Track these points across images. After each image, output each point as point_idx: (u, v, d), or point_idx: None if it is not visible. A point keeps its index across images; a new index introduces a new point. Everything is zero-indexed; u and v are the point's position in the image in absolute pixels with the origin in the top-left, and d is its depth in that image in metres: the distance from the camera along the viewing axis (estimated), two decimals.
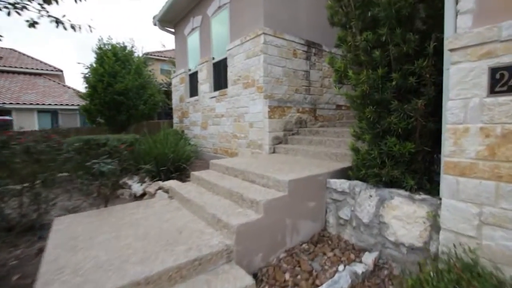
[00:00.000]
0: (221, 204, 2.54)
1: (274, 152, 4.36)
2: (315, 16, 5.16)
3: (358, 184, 2.44)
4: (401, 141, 2.11)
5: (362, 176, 2.43)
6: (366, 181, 2.42)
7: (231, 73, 5.07)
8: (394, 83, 2.10)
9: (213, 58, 5.91)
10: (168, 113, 14.09)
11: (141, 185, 4.20)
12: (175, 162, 4.55)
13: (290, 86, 4.68)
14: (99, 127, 9.27)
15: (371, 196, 2.30)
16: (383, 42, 2.13)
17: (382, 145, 2.21)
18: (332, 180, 2.67)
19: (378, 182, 2.31)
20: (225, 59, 5.31)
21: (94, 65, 8.27)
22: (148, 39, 77.02)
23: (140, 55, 10.39)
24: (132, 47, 9.22)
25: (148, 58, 12.24)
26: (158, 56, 18.64)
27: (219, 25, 5.60)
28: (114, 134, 6.70)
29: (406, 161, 2.14)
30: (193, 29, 6.64)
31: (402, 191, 2.13)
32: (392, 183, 2.24)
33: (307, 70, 4.94)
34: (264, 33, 4.22)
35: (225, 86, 5.36)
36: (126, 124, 8.67)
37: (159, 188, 3.80)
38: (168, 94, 12.10)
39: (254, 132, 4.55)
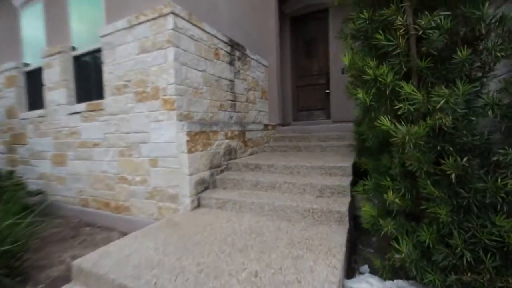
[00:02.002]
0: None
1: (199, 205, 2.72)
2: (237, 8, 3.94)
3: None
4: None
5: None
6: None
7: (112, 75, 3.02)
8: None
9: (74, 48, 3.56)
10: None
11: None
12: None
13: (213, 101, 3.19)
14: None
15: None
16: None
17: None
18: None
19: None
20: (99, 50, 3.18)
21: None
22: None
23: None
24: None
25: None
26: None
27: None
28: None
29: None
30: None
31: None
32: None
33: (231, 79, 3.60)
34: (173, 13, 2.56)
35: (100, 96, 3.20)
36: None
37: None
38: None
39: (161, 174, 2.74)
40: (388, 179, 1.44)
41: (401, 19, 1.19)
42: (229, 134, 3.33)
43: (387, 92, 1.23)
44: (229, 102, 3.55)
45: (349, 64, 1.32)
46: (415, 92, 1.15)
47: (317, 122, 5.35)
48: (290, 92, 5.62)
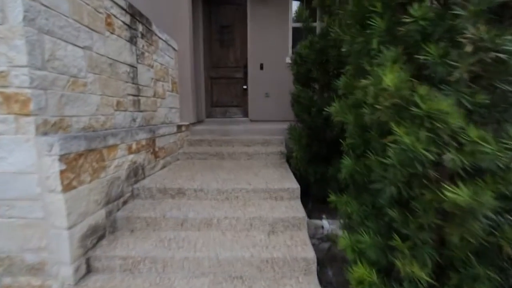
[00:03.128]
0: None
1: (89, 271, 1.67)
2: None
3: None
4: None
5: None
6: None
7: None
8: None
9: None
10: None
11: None
12: None
13: (105, 96, 2.07)
14: None
15: None
16: None
17: None
18: None
19: None
20: None
21: None
22: None
23: None
24: None
25: None
26: None
27: None
28: None
29: None
30: None
31: None
32: None
33: (133, 64, 2.51)
34: None
35: None
36: None
37: None
38: None
39: (6, 230, 1.51)
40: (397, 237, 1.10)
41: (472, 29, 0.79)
42: (134, 147, 2.31)
43: (444, 136, 0.82)
44: (131, 98, 2.47)
45: (395, 88, 0.83)
46: (487, 141, 0.80)
47: (234, 121, 4.85)
48: (203, 85, 4.81)
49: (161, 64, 3.20)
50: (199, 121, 4.62)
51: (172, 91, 3.57)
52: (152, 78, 2.93)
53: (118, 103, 2.25)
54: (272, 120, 4.78)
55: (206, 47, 4.81)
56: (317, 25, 3.82)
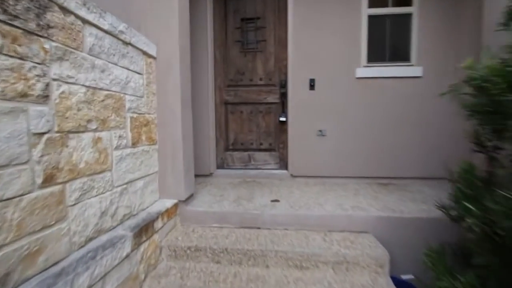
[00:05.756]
0: None
1: None
2: None
3: None
4: None
5: None
6: None
7: None
8: None
9: None
10: None
11: None
12: None
13: None
14: None
15: None
16: None
17: None
18: None
19: None
20: None
21: None
22: None
23: None
24: None
25: None
26: None
27: None
28: None
29: None
30: None
31: None
32: None
33: None
34: None
35: None
36: None
37: None
38: None
39: None
40: None
41: None
42: None
43: None
44: None
45: None
46: None
47: (264, 178, 2.85)
48: (212, 116, 2.90)
49: (101, 90, 1.30)
50: (205, 174, 2.66)
51: (136, 143, 1.64)
52: (59, 133, 1.04)
53: None
54: (332, 176, 2.74)
55: (218, 53, 2.91)
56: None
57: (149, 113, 1.80)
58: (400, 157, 2.71)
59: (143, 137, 1.73)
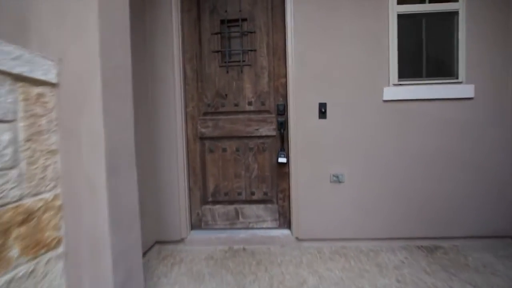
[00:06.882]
0: None
1: None
2: None
3: None
4: None
5: None
6: None
7: None
8: None
9: None
10: None
11: None
12: None
13: None
14: None
15: None
16: None
17: None
18: None
19: None
20: None
21: None
22: None
23: None
24: None
25: None
26: None
27: None
28: None
29: None
30: None
31: None
32: None
33: None
34: None
35: None
36: None
37: None
38: None
39: None
40: None
41: None
42: None
43: None
44: None
45: None
46: None
47: (255, 238, 2.00)
48: (183, 154, 2.03)
49: None
50: (176, 241, 1.79)
51: None
52: None
53: None
54: (353, 238, 1.94)
55: (190, 69, 2.07)
56: None
57: (36, 194, 0.93)
58: (448, 209, 1.94)
59: (18, 247, 0.85)
